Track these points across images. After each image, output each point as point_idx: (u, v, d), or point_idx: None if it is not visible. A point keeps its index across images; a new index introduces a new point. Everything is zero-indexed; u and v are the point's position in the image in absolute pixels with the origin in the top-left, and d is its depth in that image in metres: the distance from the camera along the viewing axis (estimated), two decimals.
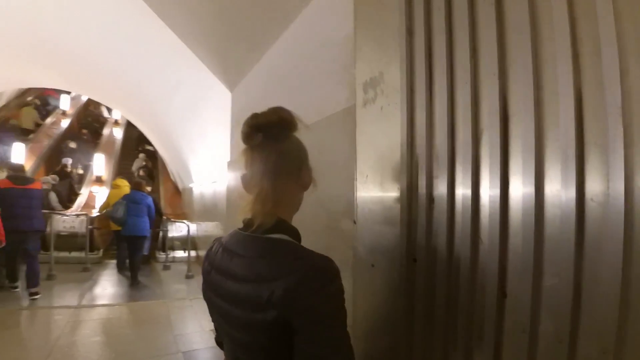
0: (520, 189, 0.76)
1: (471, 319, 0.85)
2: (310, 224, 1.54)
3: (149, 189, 7.58)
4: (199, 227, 7.19)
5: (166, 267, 6.83)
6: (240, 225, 0.87)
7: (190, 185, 8.16)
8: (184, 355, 3.43)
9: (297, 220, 0.89)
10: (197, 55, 3.16)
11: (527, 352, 0.72)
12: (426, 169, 0.98)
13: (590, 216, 0.65)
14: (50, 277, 5.63)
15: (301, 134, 0.89)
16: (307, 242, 0.84)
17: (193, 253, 6.84)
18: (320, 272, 0.74)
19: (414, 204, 1.01)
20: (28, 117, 11.65)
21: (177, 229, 7.58)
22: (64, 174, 9.78)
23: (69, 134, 12.98)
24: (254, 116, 0.85)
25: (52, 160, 11.15)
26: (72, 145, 11.89)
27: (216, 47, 2.99)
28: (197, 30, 3.00)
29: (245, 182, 0.87)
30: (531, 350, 0.72)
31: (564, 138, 0.69)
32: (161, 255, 7.22)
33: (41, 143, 11.42)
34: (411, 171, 1.02)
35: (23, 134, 10.86)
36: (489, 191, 0.81)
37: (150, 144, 11.70)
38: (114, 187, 6.90)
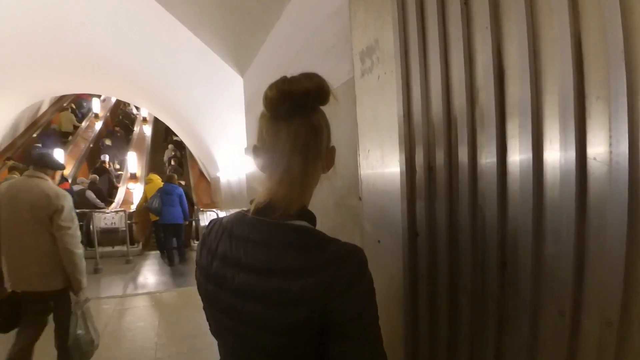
0: (517, 152, 0.70)
1: (472, 292, 0.81)
2: (318, 202, 1.52)
3: (182, 182, 7.99)
4: (229, 215, 7.40)
5: None
6: (246, 207, 0.77)
7: (217, 174, 8.36)
8: None
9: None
10: (205, 43, 3.16)
11: (528, 324, 0.68)
12: (423, 139, 0.92)
13: (593, 177, 0.59)
14: (96, 270, 6.05)
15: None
16: (317, 221, 0.79)
17: None
18: (354, 264, 0.67)
19: (414, 176, 0.97)
20: (66, 120, 12.39)
21: (209, 218, 7.86)
22: (102, 170, 10.45)
23: (103, 134, 13.70)
24: (286, 80, 0.72)
25: (91, 161, 11.87)
26: (108, 142, 12.57)
27: (222, 33, 2.98)
28: (201, 18, 2.99)
29: (263, 158, 0.75)
30: (532, 323, 0.67)
31: (563, 92, 0.62)
32: (195, 244, 7.54)
33: (79, 147, 12.18)
34: (409, 142, 0.97)
35: (63, 137, 11.67)
36: (486, 158, 0.76)
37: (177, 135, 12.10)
38: (147, 182, 7.32)
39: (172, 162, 11.46)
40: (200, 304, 0.86)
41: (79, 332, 2.26)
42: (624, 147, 0.54)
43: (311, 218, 0.77)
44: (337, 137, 1.45)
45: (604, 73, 0.57)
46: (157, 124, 14.67)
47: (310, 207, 0.81)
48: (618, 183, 0.55)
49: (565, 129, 0.62)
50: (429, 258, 0.93)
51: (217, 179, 8.55)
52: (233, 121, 4.70)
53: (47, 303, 2.29)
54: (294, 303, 0.64)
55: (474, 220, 0.81)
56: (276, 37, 2.35)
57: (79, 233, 2.30)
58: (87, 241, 6.39)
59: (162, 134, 14.39)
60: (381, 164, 1.12)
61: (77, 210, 2.67)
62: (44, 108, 11.94)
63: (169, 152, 12.72)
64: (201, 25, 3.07)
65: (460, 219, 0.84)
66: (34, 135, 10.86)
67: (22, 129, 10.52)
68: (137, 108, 16.07)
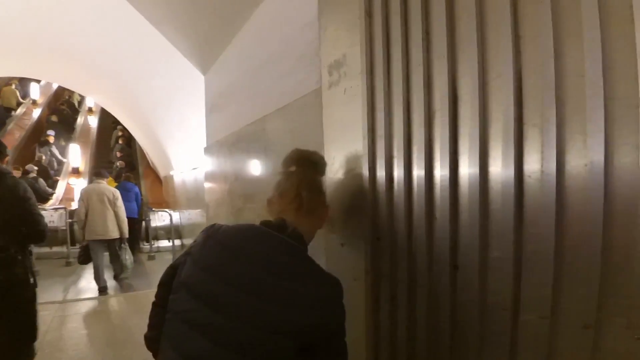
0: (467, 168, 0.80)
1: (429, 293, 0.90)
2: None
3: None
4: (183, 216, 7.15)
5: (151, 257, 6.82)
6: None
7: (171, 172, 8.04)
8: None
9: None
10: (167, 38, 3.06)
11: (478, 321, 0.78)
12: (385, 151, 1.01)
13: (528, 192, 0.70)
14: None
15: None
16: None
17: (178, 242, 6.84)
18: (338, 296, 0.82)
19: (376, 185, 1.05)
20: (10, 96, 12.13)
21: (160, 218, 7.53)
22: (45, 143, 10.43)
23: (41, 123, 12.61)
24: (297, 150, 1.04)
25: (29, 155, 10.87)
26: (54, 119, 12.05)
27: (186, 29, 2.91)
28: (165, 12, 2.90)
29: (274, 204, 0.95)
30: (481, 320, 0.78)
31: (506, 119, 0.73)
32: (145, 246, 7.19)
33: (13, 135, 11.10)
34: (372, 154, 1.05)
35: (7, 112, 11.54)
36: (440, 171, 0.85)
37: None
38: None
39: (119, 154, 10.95)
40: (149, 310, 0.92)
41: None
42: (552, 167, 0.66)
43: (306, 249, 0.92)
44: (305, 144, 1.51)
45: (539, 105, 0.68)
46: (104, 118, 13.75)
47: None
48: (548, 198, 0.66)
49: (506, 150, 0.72)
50: (390, 260, 1.02)
51: (171, 178, 8.23)
52: (192, 118, 4.58)
53: None
54: (295, 306, 0.76)
55: (429, 227, 0.90)
56: (243, 40, 2.36)
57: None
58: None
59: (110, 125, 13.52)
60: (345, 172, 1.19)
61: None
62: None
63: (116, 132, 12.16)
64: (164, 19, 2.98)
65: (417, 225, 0.93)
66: None
67: None
68: (80, 96, 14.89)
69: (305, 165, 1.00)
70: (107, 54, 5.26)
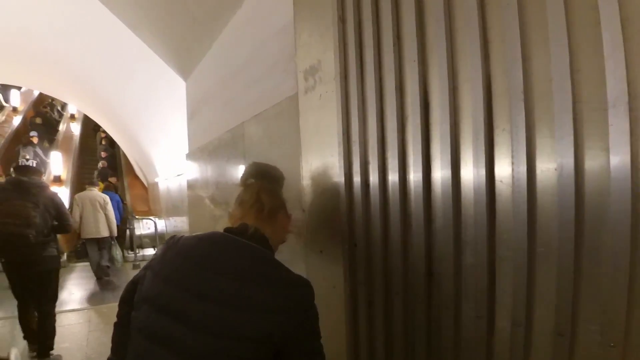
0: (439, 173, 0.79)
1: (404, 297, 0.89)
2: None
3: (114, 179, 8.53)
4: (168, 223, 7.03)
5: (136, 266, 6.65)
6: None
7: (156, 179, 7.90)
8: None
9: None
10: (146, 43, 3.01)
11: (452, 328, 0.77)
12: (360, 156, 0.99)
13: (500, 197, 0.69)
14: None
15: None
16: None
17: None
18: (308, 295, 0.79)
19: (352, 191, 1.03)
20: None
21: (145, 227, 7.38)
22: (28, 143, 10.30)
23: (22, 131, 12.32)
24: (256, 163, 1.08)
25: (10, 155, 10.58)
26: (38, 120, 11.99)
27: (164, 34, 2.87)
28: (142, 18, 2.85)
29: (235, 214, 0.93)
30: (456, 326, 0.76)
31: (476, 124, 0.72)
32: (130, 254, 7.03)
33: None
34: (348, 159, 1.04)
35: None
36: (414, 176, 0.84)
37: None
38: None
39: (104, 154, 11.14)
40: None
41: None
42: (523, 171, 0.65)
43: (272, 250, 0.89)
44: (283, 150, 1.49)
45: (508, 110, 0.67)
46: (87, 125, 13.50)
47: None
48: (519, 203, 0.65)
49: (477, 154, 0.72)
50: (367, 267, 1.00)
51: (156, 185, 8.08)
52: (174, 124, 4.51)
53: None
54: (266, 311, 0.72)
55: (404, 233, 0.89)
56: (222, 46, 2.33)
57: None
58: None
59: (92, 132, 13.28)
60: (322, 177, 1.17)
61: None
62: None
63: (99, 134, 12.15)
64: (142, 25, 2.93)
65: (393, 231, 0.91)
66: None
67: None
68: (62, 106, 14.61)
69: (264, 178, 1.03)
70: (86, 59, 5.16)
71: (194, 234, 0.84)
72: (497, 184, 0.69)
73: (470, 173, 0.73)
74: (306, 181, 1.26)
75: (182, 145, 3.83)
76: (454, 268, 0.77)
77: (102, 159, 10.77)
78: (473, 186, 0.72)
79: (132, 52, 3.79)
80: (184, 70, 3.12)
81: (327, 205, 1.16)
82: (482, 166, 0.70)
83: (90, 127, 13.11)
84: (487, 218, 0.70)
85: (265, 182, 1.00)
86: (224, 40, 2.28)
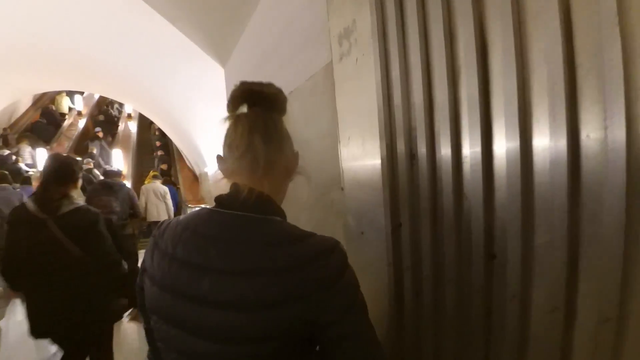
0: (502, 134, 0.64)
1: (458, 285, 0.76)
2: (300, 201, 1.46)
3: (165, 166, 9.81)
4: None
5: None
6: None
7: (205, 169, 8.22)
8: None
9: (285, 202, 0.78)
10: (185, 35, 3.04)
11: (518, 320, 0.63)
12: (404, 125, 0.86)
13: (587, 157, 0.53)
14: None
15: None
16: (299, 222, 0.73)
17: None
18: (338, 258, 0.65)
19: (395, 164, 0.91)
20: (63, 102, 13.92)
21: None
22: (95, 138, 11.68)
23: (87, 132, 13.54)
24: (244, 82, 0.77)
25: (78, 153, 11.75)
26: (101, 117, 13.31)
27: (201, 24, 2.87)
28: (180, 9, 2.88)
29: (225, 158, 0.74)
30: (523, 318, 0.63)
31: (551, 64, 0.56)
32: None
33: (62, 146, 12.02)
34: (390, 129, 0.91)
35: (61, 116, 13.49)
36: (470, 141, 0.70)
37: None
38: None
39: (158, 144, 12.24)
40: None
41: None
42: (620, 121, 0.49)
43: (284, 216, 0.72)
44: (318, 128, 1.39)
45: (595, 39, 0.51)
46: (143, 120, 14.39)
47: (291, 205, 0.76)
48: (614, 163, 0.50)
49: (554, 103, 0.56)
50: (413, 249, 0.88)
51: (205, 175, 8.40)
52: (217, 114, 4.58)
53: None
54: (280, 303, 0.59)
55: (458, 209, 0.75)
56: (254, 27, 2.26)
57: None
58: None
59: (148, 127, 14.20)
60: (362, 152, 1.06)
61: None
62: (21, 110, 12.50)
63: (154, 125, 13.41)
64: (180, 17, 2.96)
65: (445, 207, 0.78)
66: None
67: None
68: (120, 105, 15.75)
69: (258, 103, 0.75)
70: (134, 59, 5.43)
71: (176, 220, 0.73)
72: (583, 140, 0.53)
73: (544, 128, 0.57)
74: (344, 156, 1.16)
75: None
76: (523, 248, 0.63)
77: (158, 148, 11.87)
78: (548, 145, 0.57)
79: (174, 48, 3.91)
80: (222, 57, 3.11)
81: (367, 183, 1.04)
82: (562, 117, 0.54)
83: (146, 124, 14.04)
84: (567, 187, 0.55)
85: (260, 111, 0.74)
86: (256, 21, 2.21)
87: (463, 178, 0.74)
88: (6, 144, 10.47)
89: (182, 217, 0.74)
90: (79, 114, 14.68)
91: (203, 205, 7.46)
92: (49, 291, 1.84)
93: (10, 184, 5.53)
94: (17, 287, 2.03)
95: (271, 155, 0.71)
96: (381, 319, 0.98)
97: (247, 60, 2.52)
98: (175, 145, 12.13)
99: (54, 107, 13.27)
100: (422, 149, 0.82)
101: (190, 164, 10.56)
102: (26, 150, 10.25)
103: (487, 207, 0.69)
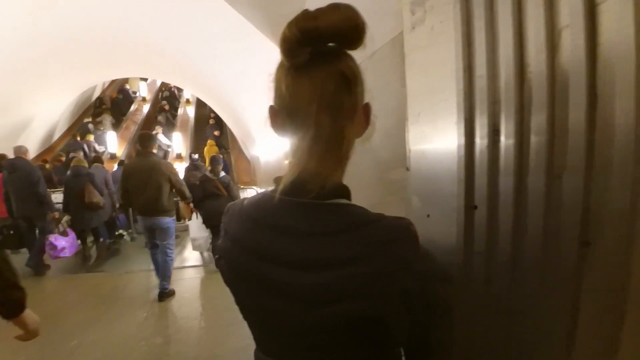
0: (613, 105, 0.56)
1: (542, 274, 0.69)
2: (359, 177, 1.43)
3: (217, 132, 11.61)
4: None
5: None
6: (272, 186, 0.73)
7: (257, 153, 8.47)
8: None
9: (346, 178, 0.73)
10: (242, 15, 3.08)
11: (612, 314, 0.56)
12: (488, 97, 0.79)
13: None
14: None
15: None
16: (358, 201, 0.70)
17: None
18: (410, 241, 0.64)
19: (474, 140, 0.84)
20: (135, 81, 16.61)
21: (248, 196, 8.10)
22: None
23: (151, 117, 14.82)
24: (308, 15, 0.57)
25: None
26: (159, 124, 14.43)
27: (258, 3, 2.88)
28: None
29: (283, 122, 0.64)
30: (619, 315, 0.55)
31: None
32: None
33: (129, 130, 13.26)
34: (469, 101, 0.84)
35: (133, 94, 16.28)
36: (571, 107, 0.62)
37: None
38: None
39: (212, 121, 13.81)
40: None
41: None
42: None
43: (348, 195, 0.67)
44: (384, 103, 1.34)
45: None
46: (200, 107, 15.22)
47: (350, 183, 0.71)
48: None
49: None
50: (489, 233, 0.82)
51: (257, 158, 8.66)
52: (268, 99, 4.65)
53: None
54: (350, 296, 0.57)
55: (548, 189, 0.68)
56: (313, 3, 2.22)
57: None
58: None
59: (206, 115, 14.99)
60: (434, 129, 0.99)
61: None
62: (98, 91, 14.95)
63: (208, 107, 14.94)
64: None
65: (531, 187, 0.71)
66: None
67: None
68: (178, 89, 16.74)
69: (327, 50, 0.58)
70: (191, 47, 5.70)
71: (241, 207, 0.69)
72: None
73: None
74: (412, 134, 1.10)
75: None
76: (626, 235, 0.55)
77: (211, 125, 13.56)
78: None
79: (230, 32, 4.00)
80: (278, 35, 3.13)
81: (437, 160, 0.98)
82: None
83: (202, 106, 15.06)
84: None
85: (332, 63, 0.59)
86: None
87: (555, 156, 0.66)
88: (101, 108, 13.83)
89: (245, 204, 0.70)
90: (144, 99, 15.94)
91: (255, 188, 7.71)
92: None
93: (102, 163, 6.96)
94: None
95: (341, 134, 0.61)
96: (446, 301, 0.93)
97: None
98: (229, 133, 12.71)
99: (128, 86, 16.20)
100: (508, 123, 0.74)
101: (244, 147, 10.95)
102: (107, 119, 12.88)
103: (587, 186, 0.61)
